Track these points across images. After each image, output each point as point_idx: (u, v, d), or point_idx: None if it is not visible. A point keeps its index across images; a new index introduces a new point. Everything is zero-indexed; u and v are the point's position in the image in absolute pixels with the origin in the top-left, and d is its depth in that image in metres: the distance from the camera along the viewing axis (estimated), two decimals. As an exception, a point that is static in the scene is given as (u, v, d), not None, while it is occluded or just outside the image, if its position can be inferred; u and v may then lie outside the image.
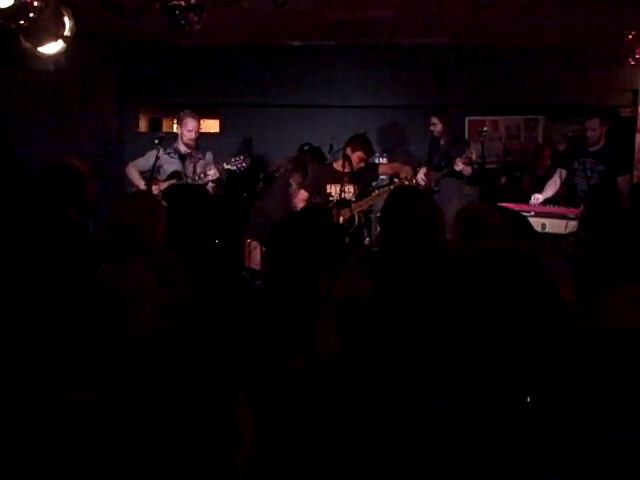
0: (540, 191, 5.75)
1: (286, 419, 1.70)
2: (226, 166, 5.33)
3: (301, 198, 5.49)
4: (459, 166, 5.63)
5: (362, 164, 5.35)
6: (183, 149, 5.30)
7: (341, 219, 5.21)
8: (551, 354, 1.32)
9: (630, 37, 5.52)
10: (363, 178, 5.44)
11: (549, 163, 6.29)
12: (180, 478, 1.45)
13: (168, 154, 5.23)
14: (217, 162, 5.38)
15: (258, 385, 1.77)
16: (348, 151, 5.31)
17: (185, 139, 5.26)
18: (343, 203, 5.23)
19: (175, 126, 5.54)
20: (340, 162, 5.37)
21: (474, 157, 5.61)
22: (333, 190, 5.35)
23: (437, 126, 5.99)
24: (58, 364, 1.36)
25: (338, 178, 5.28)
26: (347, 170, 5.29)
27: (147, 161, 5.26)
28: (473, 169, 5.75)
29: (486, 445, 1.38)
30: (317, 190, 5.42)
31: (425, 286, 2.07)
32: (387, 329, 2.00)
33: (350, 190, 5.32)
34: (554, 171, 5.87)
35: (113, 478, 1.32)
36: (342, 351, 1.84)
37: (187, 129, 5.24)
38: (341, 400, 1.70)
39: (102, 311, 1.42)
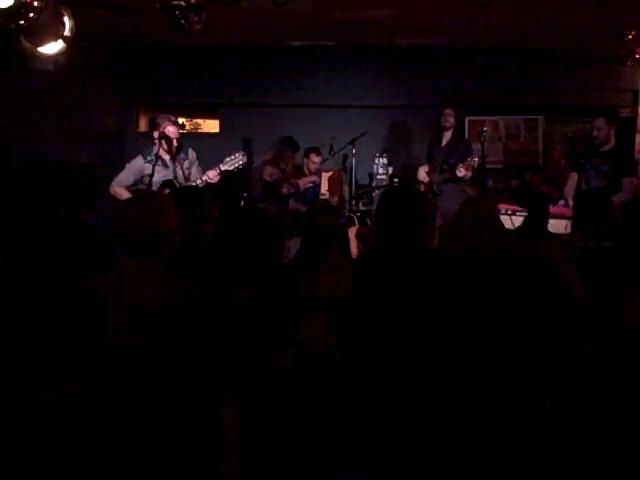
0: (553, 191, 5.75)
1: (271, 416, 1.71)
2: (223, 167, 5.13)
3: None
4: (461, 172, 5.64)
5: None
6: (165, 156, 5.01)
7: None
8: (568, 357, 1.33)
9: (630, 37, 5.52)
10: None
11: (562, 164, 6.23)
12: (166, 476, 1.45)
13: (149, 162, 4.88)
14: (215, 164, 5.22)
15: (242, 382, 1.78)
16: None
17: (165, 146, 4.98)
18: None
19: (154, 131, 5.11)
20: None
21: (476, 165, 5.63)
22: None
23: (451, 119, 5.98)
24: (35, 363, 1.36)
25: None
26: None
27: (129, 174, 4.99)
28: (474, 171, 5.76)
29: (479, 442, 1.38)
30: None
31: (408, 281, 2.12)
32: (369, 321, 2.04)
33: None
34: (569, 174, 5.80)
35: (101, 475, 1.32)
36: (329, 347, 1.87)
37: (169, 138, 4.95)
38: (327, 396, 1.71)
39: (77, 310, 1.42)
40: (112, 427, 1.38)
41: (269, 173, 5.83)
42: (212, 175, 5.02)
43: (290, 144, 6.13)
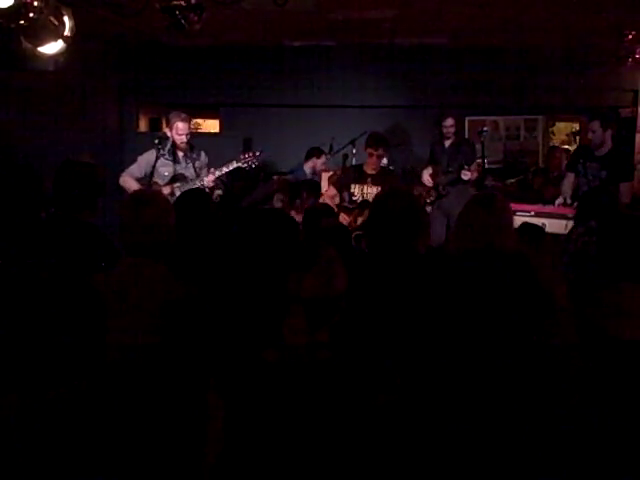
0: (554, 191, 5.77)
1: (257, 411, 1.72)
2: (236, 164, 5.24)
3: (329, 195, 5.57)
4: (467, 175, 5.65)
5: (377, 160, 5.32)
6: (179, 152, 5.20)
7: (360, 220, 5.22)
8: (547, 353, 1.34)
9: (630, 37, 5.52)
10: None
11: (564, 166, 6.23)
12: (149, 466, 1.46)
13: (163, 156, 5.09)
14: (216, 164, 5.28)
15: (230, 377, 1.79)
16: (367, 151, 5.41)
17: (177, 142, 5.15)
18: (365, 204, 5.24)
19: (166, 129, 5.35)
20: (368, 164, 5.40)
21: (480, 169, 5.66)
22: (357, 190, 5.38)
23: (452, 129, 5.99)
24: (37, 359, 1.37)
25: (362, 179, 5.34)
26: (372, 172, 5.34)
27: (140, 167, 5.13)
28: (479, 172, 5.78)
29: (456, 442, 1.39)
30: (343, 189, 5.47)
31: (398, 282, 2.13)
32: (362, 324, 2.06)
33: (373, 192, 5.31)
34: (565, 173, 5.81)
35: (95, 468, 1.33)
36: (310, 348, 1.87)
37: (177, 133, 5.10)
38: (312, 393, 1.72)
39: (79, 308, 1.43)
40: (109, 421, 1.39)
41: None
42: (208, 181, 5.11)
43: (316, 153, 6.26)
